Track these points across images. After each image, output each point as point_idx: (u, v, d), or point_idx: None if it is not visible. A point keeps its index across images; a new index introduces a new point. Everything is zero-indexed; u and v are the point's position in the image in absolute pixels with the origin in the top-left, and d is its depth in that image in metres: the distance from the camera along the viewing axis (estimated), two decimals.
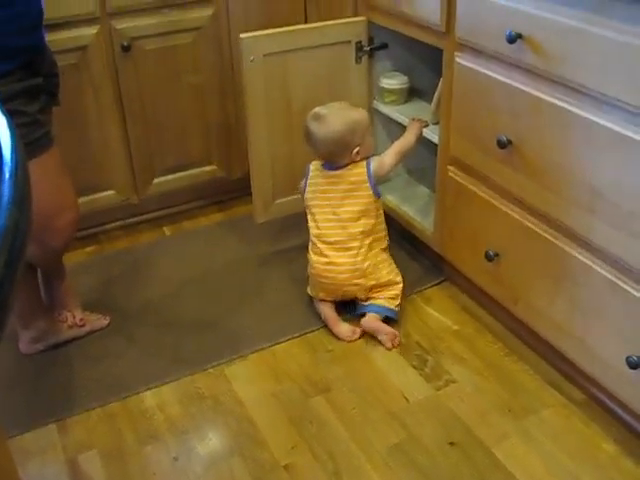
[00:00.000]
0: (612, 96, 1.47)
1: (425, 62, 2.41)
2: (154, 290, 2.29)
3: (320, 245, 2.08)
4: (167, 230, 2.64)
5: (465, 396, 1.87)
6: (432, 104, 2.19)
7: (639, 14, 1.38)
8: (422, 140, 2.22)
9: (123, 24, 2.29)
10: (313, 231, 2.11)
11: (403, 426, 1.79)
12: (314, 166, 2.13)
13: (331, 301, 2.13)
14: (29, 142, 1.63)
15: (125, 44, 2.30)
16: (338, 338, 2.07)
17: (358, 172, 2.06)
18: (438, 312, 2.17)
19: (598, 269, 1.62)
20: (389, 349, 2.03)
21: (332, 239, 2.07)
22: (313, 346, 2.05)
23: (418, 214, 2.36)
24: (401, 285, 2.13)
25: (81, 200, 2.39)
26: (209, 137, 2.59)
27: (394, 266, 2.15)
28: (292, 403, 1.87)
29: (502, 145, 1.77)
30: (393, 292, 2.11)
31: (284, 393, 1.90)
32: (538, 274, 1.81)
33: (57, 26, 2.16)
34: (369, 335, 2.07)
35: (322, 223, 2.09)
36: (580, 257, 1.66)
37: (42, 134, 1.68)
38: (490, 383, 1.90)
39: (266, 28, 2.18)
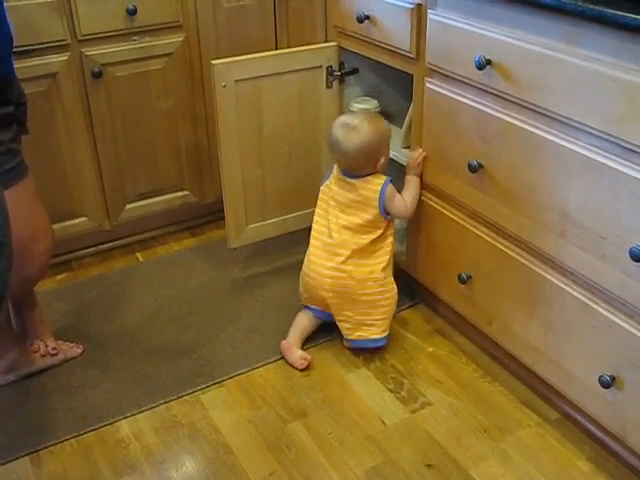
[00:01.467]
0: (579, 121, 1.50)
1: (395, 87, 2.44)
2: (128, 317, 2.28)
3: (313, 242, 2.09)
4: (140, 256, 2.63)
5: (441, 418, 1.88)
6: (403, 128, 2.21)
7: (604, 43, 1.41)
8: (395, 164, 2.24)
9: (94, 50, 2.29)
10: (313, 228, 2.11)
11: (380, 449, 1.79)
12: (336, 169, 2.09)
13: (312, 319, 2.14)
14: (4, 171, 1.62)
15: (96, 70, 2.29)
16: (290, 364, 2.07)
17: (373, 188, 2.02)
18: (413, 334, 2.18)
19: (570, 291, 1.64)
20: None
21: (327, 241, 2.06)
22: (289, 371, 2.05)
23: None
24: (387, 309, 2.07)
25: (53, 227, 2.38)
26: (181, 162, 2.59)
27: (384, 288, 2.06)
28: (269, 429, 1.86)
29: (473, 169, 1.79)
30: (376, 317, 2.06)
31: (261, 419, 1.90)
32: (511, 296, 1.83)
33: (27, 53, 2.16)
34: (345, 359, 2.08)
35: (320, 224, 2.09)
36: (552, 279, 1.69)
37: (17, 163, 1.67)
38: (465, 405, 1.92)
39: (237, 54, 2.19)
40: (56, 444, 1.83)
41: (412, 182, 2.06)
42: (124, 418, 1.90)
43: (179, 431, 1.87)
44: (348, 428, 1.86)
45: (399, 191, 2.06)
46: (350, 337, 2.09)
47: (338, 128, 2.02)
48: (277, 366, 2.07)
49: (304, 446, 1.81)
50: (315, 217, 2.12)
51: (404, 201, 2.04)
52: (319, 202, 2.12)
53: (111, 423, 1.89)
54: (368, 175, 2.03)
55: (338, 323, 2.09)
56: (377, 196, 2.01)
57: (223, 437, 1.84)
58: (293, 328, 2.13)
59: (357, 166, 2.02)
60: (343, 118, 2.06)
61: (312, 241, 2.11)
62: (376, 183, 2.02)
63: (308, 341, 2.14)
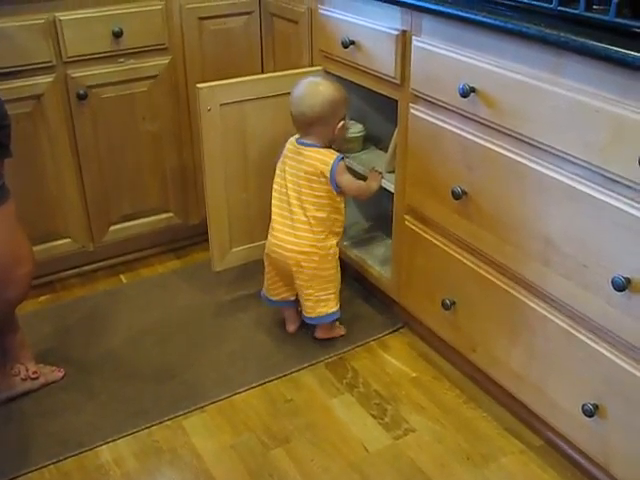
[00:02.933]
0: (562, 150, 1.50)
1: (380, 111, 2.44)
2: (111, 340, 2.26)
3: (276, 218, 2.12)
4: (124, 278, 2.61)
5: (424, 445, 1.87)
6: (388, 153, 2.21)
7: (588, 73, 1.42)
8: (380, 189, 2.24)
9: (79, 72, 2.29)
10: (273, 204, 2.14)
11: (363, 477, 1.78)
12: (290, 143, 2.12)
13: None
14: None
15: (81, 92, 2.29)
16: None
17: (325, 160, 2.04)
18: (396, 359, 2.17)
19: (553, 319, 1.64)
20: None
21: (289, 216, 2.09)
22: (272, 396, 2.03)
23: (376, 261, 2.37)
24: (337, 282, 2.17)
25: (37, 248, 2.38)
26: (166, 184, 2.59)
27: (337, 263, 2.16)
28: (251, 455, 1.85)
29: (457, 196, 1.80)
30: (329, 293, 2.15)
31: (243, 445, 1.88)
32: (495, 323, 1.83)
33: (12, 74, 2.15)
34: (328, 385, 2.07)
35: (279, 199, 2.12)
36: (535, 307, 1.69)
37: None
38: (449, 431, 1.91)
39: (223, 77, 2.20)
40: (34, 470, 1.81)
41: (369, 185, 2.16)
42: (105, 443, 1.88)
43: (160, 457, 1.85)
44: (331, 455, 1.84)
45: None
46: (312, 315, 2.17)
47: (304, 84, 2.08)
48: (260, 391, 2.05)
49: (286, 473, 1.79)
50: (273, 193, 2.14)
51: (357, 182, 2.11)
52: (276, 178, 2.14)
53: (91, 449, 1.87)
54: (323, 146, 2.06)
55: (301, 300, 2.19)
56: (329, 168, 2.04)
57: (205, 463, 1.83)
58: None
59: (321, 123, 2.04)
60: (308, 78, 2.11)
61: (274, 217, 2.13)
62: (328, 155, 2.05)
63: (291, 366, 2.13)
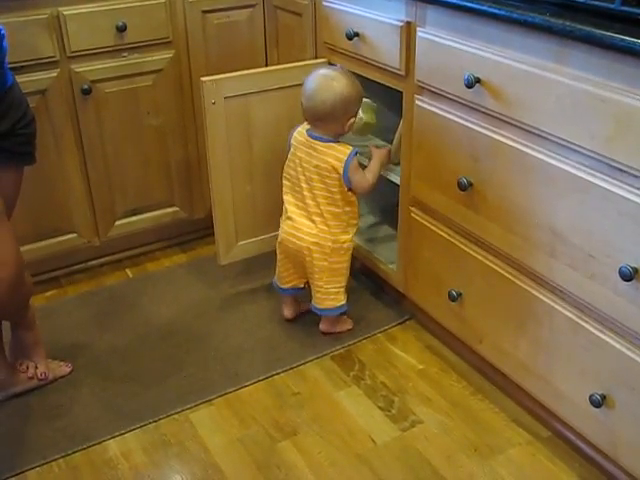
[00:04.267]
0: (568, 140, 1.50)
1: (385, 103, 2.43)
2: (117, 334, 2.26)
3: (290, 208, 2.12)
4: (130, 272, 2.61)
5: (431, 437, 1.87)
6: (393, 145, 2.21)
7: (593, 62, 1.41)
8: (385, 180, 2.24)
9: (83, 67, 2.28)
10: (285, 192, 2.14)
11: (370, 468, 1.78)
12: (299, 134, 2.10)
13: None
14: None
15: (85, 87, 2.29)
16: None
17: (338, 156, 2.03)
18: (403, 351, 2.17)
19: (560, 309, 1.64)
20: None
21: (303, 206, 2.10)
22: (279, 389, 2.04)
23: (382, 254, 2.37)
24: (346, 277, 2.17)
25: (42, 243, 2.40)
26: (171, 178, 2.59)
27: (348, 257, 2.16)
28: (259, 448, 1.85)
29: (462, 187, 1.79)
30: (337, 286, 2.15)
31: (250, 438, 1.88)
32: (502, 314, 1.83)
33: (16, 70, 2.12)
34: (335, 377, 2.07)
35: (293, 189, 2.11)
36: (542, 297, 1.68)
37: None
38: (456, 423, 1.91)
39: (227, 70, 2.19)
40: (43, 464, 1.81)
41: (375, 164, 2.13)
42: (112, 437, 1.89)
43: (168, 450, 1.85)
44: (338, 447, 1.85)
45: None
46: (320, 306, 2.18)
47: (317, 76, 2.04)
48: (267, 384, 2.06)
49: (294, 466, 1.79)
50: (285, 182, 2.14)
51: (365, 179, 2.08)
52: (286, 168, 2.13)
53: (99, 443, 1.87)
54: (334, 140, 2.05)
55: (312, 288, 2.20)
56: (342, 165, 2.03)
57: (212, 457, 1.83)
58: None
59: (331, 119, 2.02)
60: (321, 70, 2.08)
61: (289, 206, 2.13)
62: (342, 151, 2.04)
63: (298, 358, 2.13)
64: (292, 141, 2.12)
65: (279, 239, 2.18)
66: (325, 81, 2.01)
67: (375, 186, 2.11)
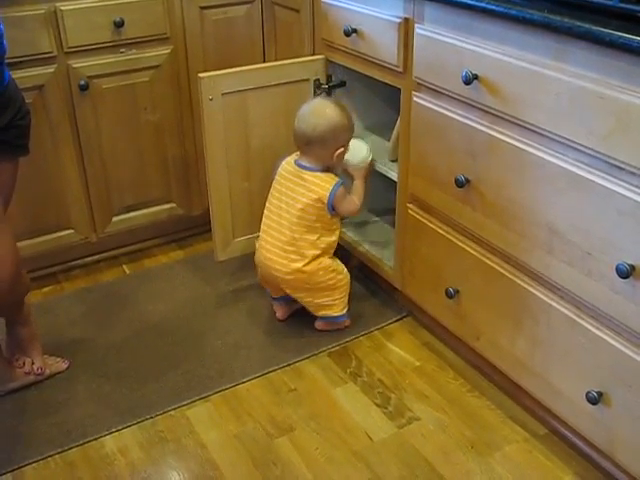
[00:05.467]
0: (566, 137, 1.50)
1: (383, 99, 2.44)
2: (114, 331, 2.26)
3: (265, 237, 2.14)
4: (127, 268, 2.61)
5: (428, 434, 1.87)
6: (391, 141, 2.21)
7: (591, 59, 1.41)
8: (382, 177, 2.24)
9: (80, 63, 2.28)
10: (266, 215, 2.16)
11: (367, 465, 1.78)
12: (287, 164, 2.13)
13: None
14: None
15: (82, 83, 2.28)
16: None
17: (324, 186, 2.05)
18: (400, 348, 2.17)
19: (557, 306, 1.64)
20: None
21: (280, 237, 2.10)
22: (275, 386, 2.04)
23: (379, 251, 2.37)
24: (343, 289, 2.17)
25: (39, 239, 2.39)
26: (168, 174, 2.59)
27: (336, 272, 2.15)
28: (255, 444, 1.85)
29: (460, 184, 1.79)
30: (332, 299, 2.16)
31: (247, 434, 1.88)
32: (499, 311, 1.83)
33: (13, 65, 2.13)
34: (332, 374, 2.07)
35: (273, 212, 2.13)
36: (539, 295, 1.68)
37: None
38: (453, 420, 1.91)
39: (225, 66, 2.19)
40: (40, 460, 1.81)
41: (360, 185, 2.17)
42: (109, 433, 1.89)
43: (164, 447, 1.85)
44: (335, 444, 1.85)
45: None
46: (317, 314, 2.21)
47: (313, 103, 2.10)
48: (264, 380, 2.06)
49: (290, 462, 1.80)
50: (265, 211, 2.16)
51: (352, 203, 2.13)
52: (270, 197, 2.15)
53: (96, 439, 1.87)
54: (322, 170, 2.07)
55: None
56: (327, 194, 2.05)
57: (209, 453, 1.83)
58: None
59: (320, 145, 2.04)
60: (315, 99, 2.13)
61: (263, 235, 2.16)
62: (328, 181, 2.06)
63: (295, 355, 2.13)
64: (280, 170, 2.14)
65: (255, 260, 2.20)
66: (319, 107, 2.06)
67: (362, 207, 2.17)
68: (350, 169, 2.19)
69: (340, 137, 2.06)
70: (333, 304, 2.16)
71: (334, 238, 2.13)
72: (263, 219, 2.16)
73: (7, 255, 1.71)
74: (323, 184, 2.06)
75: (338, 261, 2.18)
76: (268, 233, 2.13)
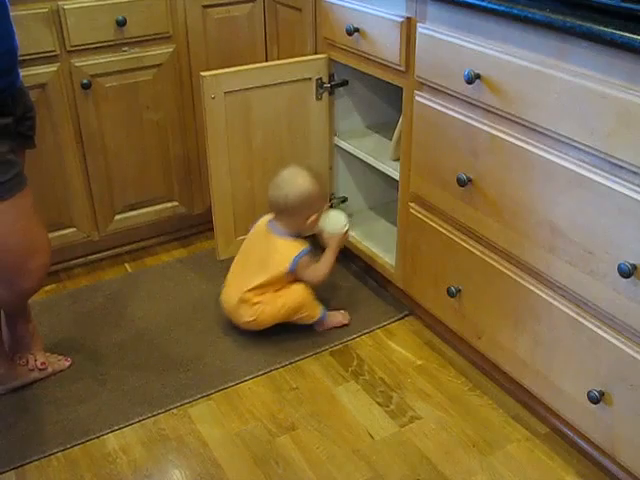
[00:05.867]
0: (567, 136, 1.50)
1: (386, 98, 2.44)
2: (117, 329, 2.26)
3: (228, 289, 2.20)
4: (129, 267, 2.61)
5: (430, 432, 1.87)
6: (392, 140, 2.21)
7: (593, 58, 1.41)
8: (384, 176, 2.24)
9: (83, 61, 2.28)
10: (232, 269, 2.21)
11: (369, 464, 1.78)
12: (262, 222, 2.17)
13: None
14: (1, 182, 1.61)
15: (85, 81, 2.29)
16: None
17: (287, 255, 2.09)
18: (401, 347, 2.17)
19: (559, 305, 1.64)
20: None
21: (235, 287, 2.15)
22: (277, 384, 2.04)
23: (380, 249, 2.37)
24: (299, 307, 2.16)
25: None
26: (170, 173, 2.59)
27: (283, 299, 2.14)
28: (257, 443, 1.85)
29: (462, 183, 1.79)
30: (300, 314, 2.17)
31: (249, 433, 1.89)
32: (500, 310, 1.83)
33: None
34: (334, 372, 2.08)
35: (237, 268, 2.19)
36: (541, 294, 1.68)
37: (14, 174, 1.65)
38: (454, 419, 1.91)
39: (227, 65, 2.20)
40: (42, 458, 1.82)
41: (331, 254, 2.17)
42: (111, 432, 1.89)
43: (167, 445, 1.86)
44: (336, 442, 1.85)
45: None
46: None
47: (286, 172, 2.11)
48: (266, 379, 2.06)
49: (292, 461, 1.80)
50: (239, 252, 2.21)
51: (318, 270, 2.15)
52: (243, 246, 2.20)
53: (98, 437, 1.88)
54: (291, 236, 2.10)
55: None
56: (289, 264, 2.10)
57: (211, 451, 1.83)
58: None
59: (291, 213, 2.09)
60: (292, 167, 2.13)
61: (230, 275, 2.21)
62: (293, 249, 2.10)
63: (297, 354, 2.14)
64: (255, 227, 2.19)
65: (220, 298, 2.25)
66: (290, 176, 2.09)
67: (328, 275, 2.18)
68: (324, 236, 2.20)
69: (312, 206, 2.09)
70: (303, 317, 2.18)
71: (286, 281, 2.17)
72: (233, 262, 2.21)
73: (46, 243, 1.82)
74: (288, 252, 2.09)
75: (285, 286, 2.16)
76: (231, 281, 2.20)
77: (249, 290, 2.11)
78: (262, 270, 2.11)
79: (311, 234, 2.21)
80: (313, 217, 2.11)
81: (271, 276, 2.10)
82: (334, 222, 2.20)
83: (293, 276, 2.13)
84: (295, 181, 2.08)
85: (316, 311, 2.19)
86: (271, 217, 2.16)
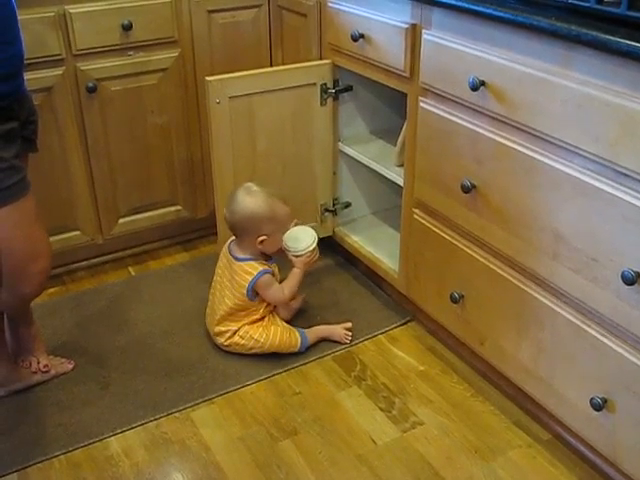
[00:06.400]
0: (572, 144, 1.50)
1: (390, 104, 2.45)
2: (119, 332, 2.27)
3: (209, 308, 2.22)
4: (132, 270, 2.62)
5: (432, 438, 1.87)
6: (397, 146, 2.22)
7: (598, 66, 1.42)
8: (388, 182, 2.25)
9: (89, 65, 2.29)
10: (211, 291, 2.22)
11: (370, 469, 1.79)
12: (226, 247, 2.16)
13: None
14: (5, 187, 1.62)
15: (90, 85, 2.30)
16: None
17: (245, 277, 2.07)
18: (404, 352, 2.18)
19: (562, 312, 1.64)
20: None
21: (212, 310, 2.18)
22: (280, 389, 2.04)
23: (383, 255, 2.37)
24: (276, 346, 2.14)
25: None
26: (174, 177, 2.59)
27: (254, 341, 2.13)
28: (259, 447, 1.86)
29: (466, 190, 1.80)
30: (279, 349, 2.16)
31: (251, 437, 1.89)
32: (503, 316, 1.83)
33: None
34: (336, 377, 2.08)
35: (213, 292, 2.19)
36: (544, 300, 1.69)
37: (18, 179, 1.66)
38: (456, 424, 1.91)
39: (232, 70, 2.20)
40: (44, 460, 1.82)
41: (296, 274, 2.14)
42: (114, 435, 1.89)
43: (169, 448, 1.86)
44: (339, 447, 1.85)
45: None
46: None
47: (241, 188, 2.09)
48: (268, 383, 2.06)
49: (294, 465, 1.80)
50: (214, 279, 2.20)
51: (281, 290, 2.12)
52: (219, 263, 2.19)
53: (101, 440, 1.88)
54: (249, 259, 2.08)
55: None
56: (246, 285, 2.07)
57: (213, 455, 1.83)
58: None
59: (240, 232, 2.08)
60: (251, 184, 2.11)
61: (210, 297, 2.22)
62: (249, 271, 2.07)
63: (299, 359, 2.14)
64: (221, 254, 2.18)
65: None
66: (241, 193, 2.07)
67: (292, 297, 2.19)
68: (289, 256, 2.16)
69: (259, 226, 2.04)
70: (283, 350, 2.15)
71: (257, 316, 2.14)
72: (211, 286, 2.21)
73: (47, 248, 1.81)
74: (246, 275, 2.07)
75: (262, 327, 2.14)
76: (209, 309, 2.21)
77: (218, 323, 2.13)
78: (228, 295, 2.11)
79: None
80: (262, 238, 2.05)
81: (235, 302, 2.09)
82: (302, 239, 2.16)
83: (252, 301, 2.10)
84: (244, 199, 2.04)
85: (293, 344, 2.15)
86: (231, 240, 2.15)
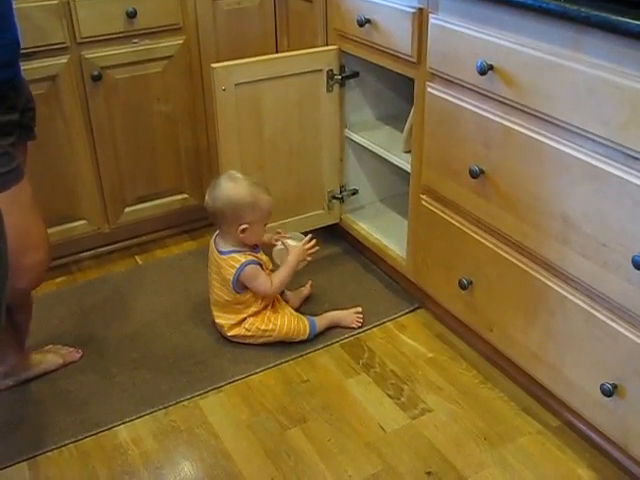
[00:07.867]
0: (581, 127, 1.49)
1: (397, 90, 2.43)
2: (127, 321, 2.27)
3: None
4: (139, 259, 2.62)
5: (441, 425, 1.87)
6: (404, 132, 2.20)
7: (608, 49, 1.40)
8: (395, 168, 2.23)
9: (93, 53, 2.28)
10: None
11: (380, 456, 1.78)
12: (212, 240, 2.15)
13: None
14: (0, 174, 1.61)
15: (95, 73, 2.29)
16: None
17: (229, 269, 2.05)
18: (413, 339, 2.17)
19: (572, 298, 1.63)
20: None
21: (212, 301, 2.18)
22: (288, 377, 2.04)
23: (391, 242, 2.36)
24: (284, 335, 2.13)
25: (52, 230, 2.38)
26: (180, 165, 2.59)
27: (262, 331, 2.13)
28: (268, 435, 1.85)
29: (474, 175, 1.78)
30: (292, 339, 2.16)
31: (260, 425, 1.89)
32: (512, 302, 1.82)
33: (27, 56, 2.13)
34: (345, 365, 2.07)
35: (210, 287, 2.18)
36: (554, 286, 1.68)
37: (12, 167, 1.65)
38: (465, 411, 1.91)
39: (237, 57, 2.19)
40: (54, 449, 1.82)
41: (289, 262, 2.12)
42: (122, 423, 1.89)
43: (178, 437, 1.86)
44: (347, 434, 1.85)
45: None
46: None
47: (224, 175, 2.07)
48: (276, 371, 2.06)
49: (303, 453, 1.80)
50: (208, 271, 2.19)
51: (269, 281, 2.08)
52: (208, 263, 2.17)
53: (109, 428, 1.88)
54: (233, 251, 2.06)
55: None
56: (231, 278, 2.05)
57: (222, 443, 1.83)
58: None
59: (221, 220, 2.05)
60: (232, 171, 2.09)
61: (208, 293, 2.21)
62: (233, 263, 2.05)
63: (307, 347, 2.14)
64: (210, 244, 2.16)
65: None
66: (223, 181, 2.05)
67: (281, 289, 2.16)
68: (290, 249, 2.14)
69: (240, 214, 2.01)
70: (292, 338, 2.14)
71: (254, 309, 2.12)
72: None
73: (44, 239, 1.78)
74: (230, 269, 2.05)
75: (267, 317, 2.13)
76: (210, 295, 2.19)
77: (216, 317, 2.15)
78: (219, 289, 2.10)
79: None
80: (243, 226, 2.01)
81: (227, 296, 2.09)
82: (297, 238, 2.18)
83: (240, 294, 2.08)
84: (226, 186, 2.02)
85: (302, 331, 2.14)
86: (216, 234, 2.14)
